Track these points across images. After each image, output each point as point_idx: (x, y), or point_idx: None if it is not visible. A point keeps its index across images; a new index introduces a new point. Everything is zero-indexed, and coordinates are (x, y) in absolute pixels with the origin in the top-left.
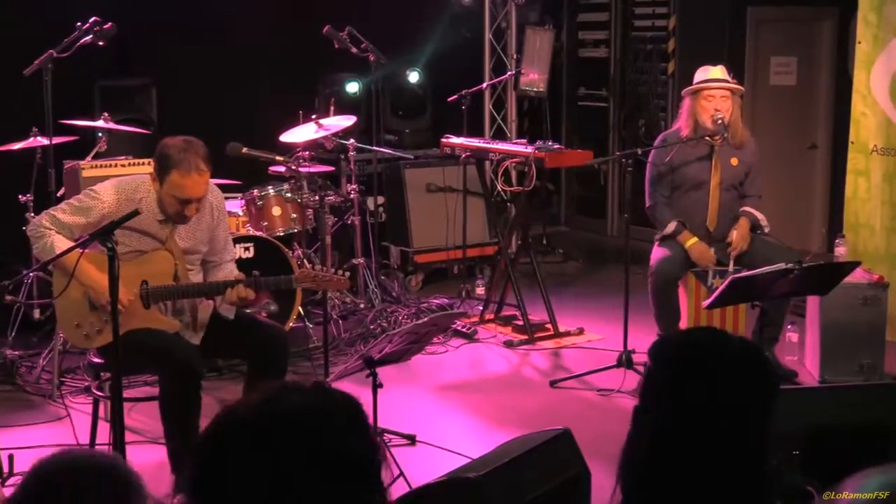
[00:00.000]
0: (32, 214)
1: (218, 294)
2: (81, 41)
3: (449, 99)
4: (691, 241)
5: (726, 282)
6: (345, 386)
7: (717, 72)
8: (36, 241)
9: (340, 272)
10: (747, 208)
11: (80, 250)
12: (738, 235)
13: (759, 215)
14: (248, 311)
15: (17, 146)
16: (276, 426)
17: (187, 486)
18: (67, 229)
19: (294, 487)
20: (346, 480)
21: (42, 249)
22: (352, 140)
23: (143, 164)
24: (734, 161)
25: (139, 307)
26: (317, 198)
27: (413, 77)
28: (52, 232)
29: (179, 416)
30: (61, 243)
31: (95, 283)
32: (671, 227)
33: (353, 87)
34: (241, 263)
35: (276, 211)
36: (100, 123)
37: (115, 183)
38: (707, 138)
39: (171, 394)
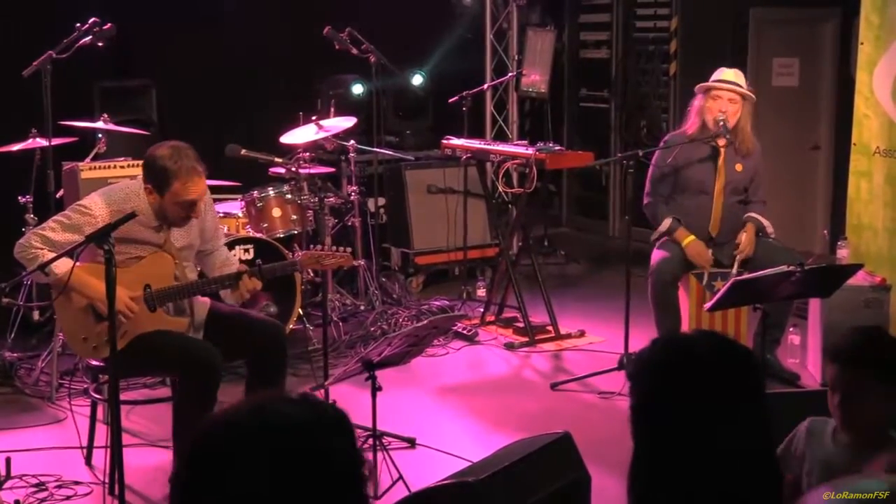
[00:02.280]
0: (32, 216)
1: (222, 288)
2: (81, 42)
3: (450, 100)
4: (688, 239)
5: (728, 284)
6: (344, 389)
7: (731, 74)
8: (30, 263)
9: (342, 249)
10: (753, 214)
11: (75, 264)
12: (745, 240)
13: (765, 221)
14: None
15: (16, 147)
16: (269, 435)
17: (174, 490)
18: (60, 248)
19: (280, 496)
20: (331, 492)
21: (38, 267)
22: (352, 141)
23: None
24: (739, 167)
25: (145, 311)
26: (317, 199)
27: (417, 80)
28: (45, 251)
29: (195, 417)
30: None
31: (100, 293)
32: (666, 223)
33: (358, 89)
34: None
35: (277, 212)
36: (99, 125)
37: (104, 195)
38: (712, 142)
39: (191, 394)
